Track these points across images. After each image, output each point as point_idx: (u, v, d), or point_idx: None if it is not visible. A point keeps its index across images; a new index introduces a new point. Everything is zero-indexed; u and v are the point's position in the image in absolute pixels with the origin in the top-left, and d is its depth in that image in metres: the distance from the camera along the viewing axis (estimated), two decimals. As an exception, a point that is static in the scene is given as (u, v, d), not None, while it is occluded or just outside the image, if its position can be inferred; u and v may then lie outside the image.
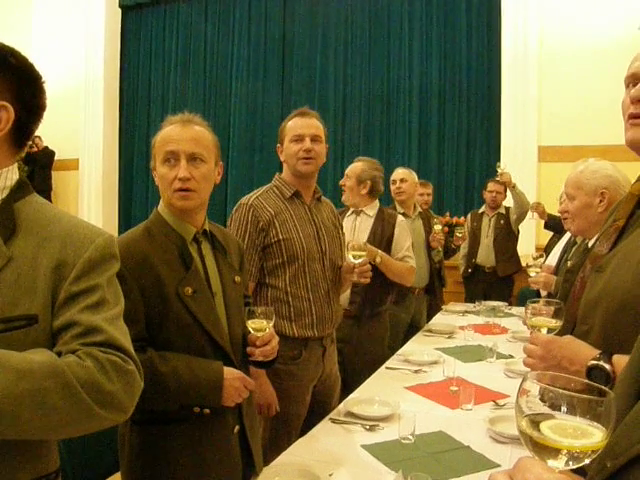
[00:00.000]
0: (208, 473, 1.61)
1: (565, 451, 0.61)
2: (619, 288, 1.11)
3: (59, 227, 1.11)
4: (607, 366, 1.06)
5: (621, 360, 1.06)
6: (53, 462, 1.15)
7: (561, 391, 0.64)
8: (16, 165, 1.16)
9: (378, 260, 2.98)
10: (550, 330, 1.43)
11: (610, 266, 1.17)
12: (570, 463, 0.62)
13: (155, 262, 1.57)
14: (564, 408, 0.63)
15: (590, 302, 1.20)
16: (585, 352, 1.13)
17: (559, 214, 3.04)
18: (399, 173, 4.10)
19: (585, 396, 0.63)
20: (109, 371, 1.01)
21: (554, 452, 0.62)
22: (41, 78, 1.16)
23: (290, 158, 2.30)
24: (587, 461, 0.62)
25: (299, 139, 2.28)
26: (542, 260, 3.48)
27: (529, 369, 1.29)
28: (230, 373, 1.59)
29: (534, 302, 1.52)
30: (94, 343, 1.03)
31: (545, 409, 0.64)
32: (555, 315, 1.43)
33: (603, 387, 0.64)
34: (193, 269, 1.62)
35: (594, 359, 1.09)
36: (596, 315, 1.17)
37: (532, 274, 3.25)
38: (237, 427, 1.69)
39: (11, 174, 1.13)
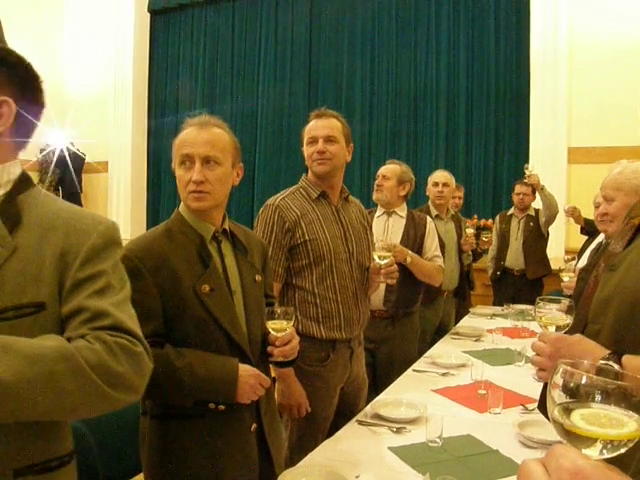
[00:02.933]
0: (224, 469, 1.62)
1: (599, 440, 0.60)
2: (631, 287, 1.09)
3: (61, 217, 1.14)
4: (616, 366, 1.04)
5: (631, 360, 1.04)
6: (66, 445, 1.18)
7: (596, 378, 0.62)
8: (19, 160, 1.20)
9: (409, 260, 2.98)
10: (559, 328, 1.42)
11: (623, 264, 1.15)
12: (605, 452, 0.60)
13: (173, 260, 1.60)
14: (598, 397, 0.62)
15: (602, 301, 1.18)
16: (594, 351, 1.10)
17: (593, 218, 2.97)
18: (443, 176, 4.07)
19: (621, 383, 0.61)
20: (117, 353, 1.04)
21: (588, 441, 0.61)
22: (39, 78, 1.20)
23: (307, 160, 2.34)
24: (623, 450, 0.61)
25: (313, 141, 2.30)
26: (574, 263, 3.42)
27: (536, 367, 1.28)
28: (245, 370, 1.60)
29: (543, 299, 1.51)
30: (102, 327, 1.06)
31: (574, 400, 0.63)
32: (566, 313, 1.42)
33: (619, 370, 0.62)
34: (211, 267, 1.64)
35: (603, 359, 1.06)
36: (607, 314, 1.14)
37: (565, 279, 3.20)
38: (254, 425, 1.69)
39: (14, 168, 1.17)
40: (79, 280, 1.09)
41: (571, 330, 1.35)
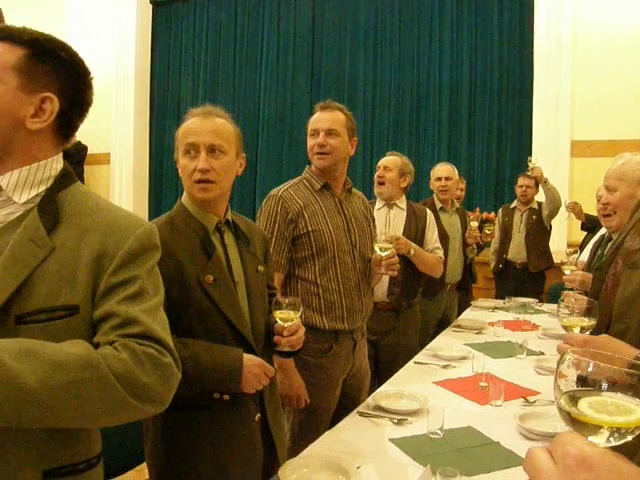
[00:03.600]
0: (228, 459, 1.63)
1: (606, 427, 0.60)
2: None
3: (100, 218, 1.12)
4: None
5: None
6: (94, 447, 1.17)
7: (602, 365, 0.62)
8: (61, 155, 1.18)
9: (412, 253, 2.99)
10: (583, 329, 1.40)
11: None
12: (612, 440, 0.60)
13: (177, 251, 1.60)
14: (604, 384, 0.61)
15: (626, 300, 1.17)
16: (625, 351, 1.09)
17: (596, 213, 2.96)
18: (445, 170, 4.06)
19: (626, 370, 0.61)
20: (145, 363, 1.02)
21: (595, 428, 0.61)
22: (90, 74, 1.19)
23: (309, 152, 2.34)
24: (629, 438, 0.61)
25: (315, 133, 2.30)
26: (576, 257, 3.42)
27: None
28: (250, 360, 1.60)
29: (565, 298, 1.49)
30: (131, 335, 1.04)
31: (581, 388, 0.63)
32: (588, 313, 1.40)
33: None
34: (215, 258, 1.64)
35: (636, 359, 1.06)
36: (633, 313, 1.13)
37: (567, 272, 3.19)
38: (258, 415, 1.70)
39: (56, 164, 1.15)
40: (112, 284, 1.07)
41: (594, 330, 1.33)
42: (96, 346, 1.03)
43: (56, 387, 0.93)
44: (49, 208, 1.09)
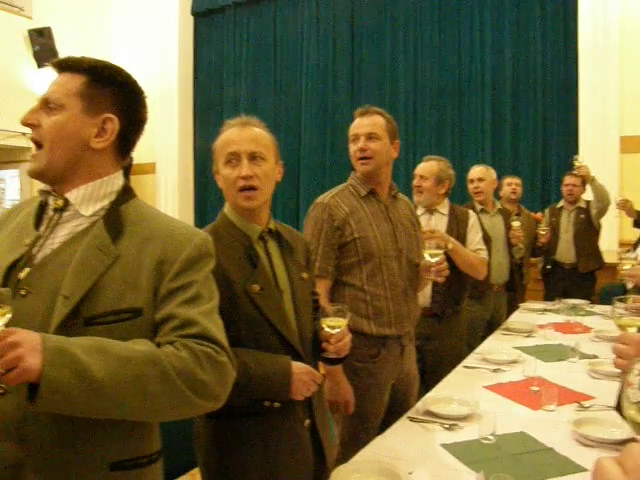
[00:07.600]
0: (280, 466, 1.64)
1: None
2: None
3: (160, 228, 1.22)
4: None
5: None
6: (155, 444, 1.24)
7: None
8: (121, 172, 1.28)
9: (450, 246, 2.92)
10: None
11: None
12: None
13: (222, 261, 1.61)
14: None
15: None
16: None
17: None
18: (476, 172, 4.03)
19: None
20: (203, 361, 1.09)
21: None
22: (143, 93, 1.29)
23: (352, 158, 2.35)
24: None
25: (355, 139, 2.31)
26: (631, 253, 3.32)
27: (619, 370, 1.24)
28: (298, 367, 1.62)
29: (621, 299, 1.45)
30: (189, 335, 1.12)
31: None
32: None
33: None
34: (260, 267, 1.66)
35: None
36: None
37: (626, 267, 3.08)
38: (307, 421, 1.71)
39: (117, 180, 1.26)
40: (172, 289, 1.16)
41: None
42: (157, 346, 1.11)
43: (122, 381, 1.01)
44: (113, 219, 1.20)
